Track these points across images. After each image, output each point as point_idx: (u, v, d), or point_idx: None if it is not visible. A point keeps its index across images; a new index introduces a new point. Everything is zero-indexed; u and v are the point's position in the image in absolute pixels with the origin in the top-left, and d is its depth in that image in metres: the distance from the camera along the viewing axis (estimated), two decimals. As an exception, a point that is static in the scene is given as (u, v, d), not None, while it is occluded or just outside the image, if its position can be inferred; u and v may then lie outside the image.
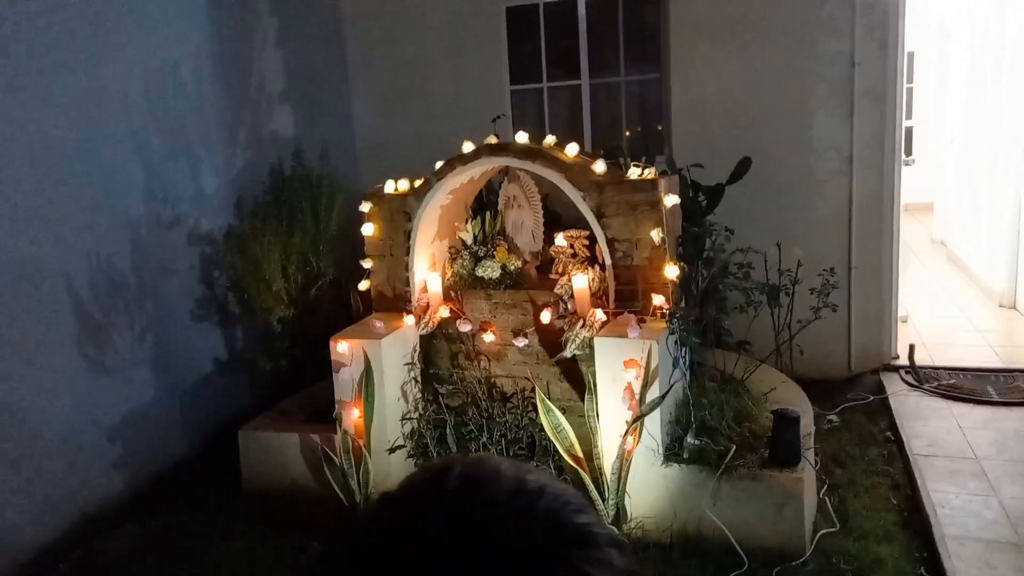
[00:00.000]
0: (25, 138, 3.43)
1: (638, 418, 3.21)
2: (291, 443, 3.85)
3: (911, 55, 11.49)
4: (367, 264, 4.12)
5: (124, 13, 3.98)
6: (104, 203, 3.86)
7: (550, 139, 3.90)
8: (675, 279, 3.53)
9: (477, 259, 3.98)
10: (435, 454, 3.70)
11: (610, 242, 3.62)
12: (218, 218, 4.52)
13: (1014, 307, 6.18)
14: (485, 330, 3.91)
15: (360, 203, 4.13)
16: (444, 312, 3.99)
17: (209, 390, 4.45)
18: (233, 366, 4.55)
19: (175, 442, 4.22)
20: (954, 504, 3.39)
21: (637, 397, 3.24)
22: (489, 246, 3.99)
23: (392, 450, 3.72)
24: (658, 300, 3.47)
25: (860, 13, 4.94)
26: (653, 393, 3.26)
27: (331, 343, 3.76)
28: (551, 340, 3.82)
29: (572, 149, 3.80)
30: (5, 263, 3.33)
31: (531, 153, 3.78)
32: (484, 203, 4.64)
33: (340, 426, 3.69)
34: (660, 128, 5.69)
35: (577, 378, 3.77)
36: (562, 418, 3.44)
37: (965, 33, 7.93)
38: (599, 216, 3.62)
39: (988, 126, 7.01)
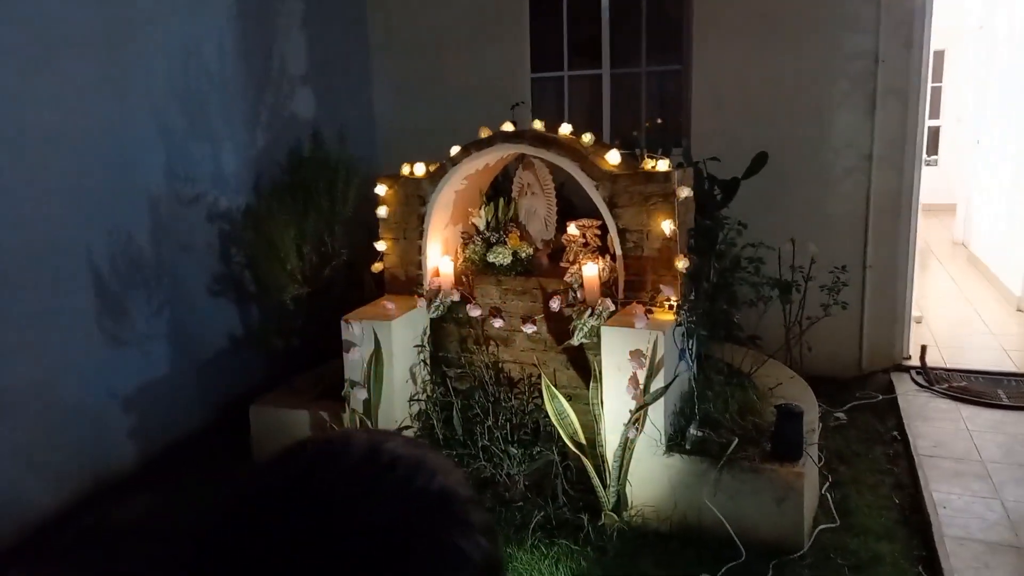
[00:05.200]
0: (51, 116, 3.50)
1: (641, 407, 3.23)
2: (301, 420, 3.92)
3: (941, 53, 11.33)
4: (380, 246, 4.17)
5: (148, -8, 4.04)
6: (126, 180, 3.93)
7: (566, 128, 3.91)
8: (684, 271, 3.54)
9: (489, 245, 4.01)
10: (441, 436, 3.75)
11: (621, 232, 3.63)
12: (237, 197, 4.59)
13: (1032, 312, 6.11)
14: (494, 315, 3.95)
15: (376, 186, 4.18)
16: (455, 296, 4.03)
17: (223, 365, 4.54)
18: (247, 343, 4.63)
19: (188, 415, 4.32)
20: (956, 505, 3.39)
21: (641, 387, 3.26)
22: (501, 232, 4.02)
23: (399, 430, 3.77)
24: (667, 292, 3.48)
25: (886, 10, 4.88)
26: (658, 384, 3.28)
27: (342, 323, 3.82)
28: (559, 328, 3.85)
29: (587, 138, 3.81)
30: (31, 237, 3.41)
31: (546, 141, 3.80)
32: (499, 190, 4.67)
33: (348, 405, 3.76)
34: (679, 120, 5.67)
35: (583, 366, 3.80)
36: (566, 405, 3.48)
37: (998, 32, 7.80)
38: (611, 206, 3.64)
39: (1015, 128, 6.90)
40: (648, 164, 3.68)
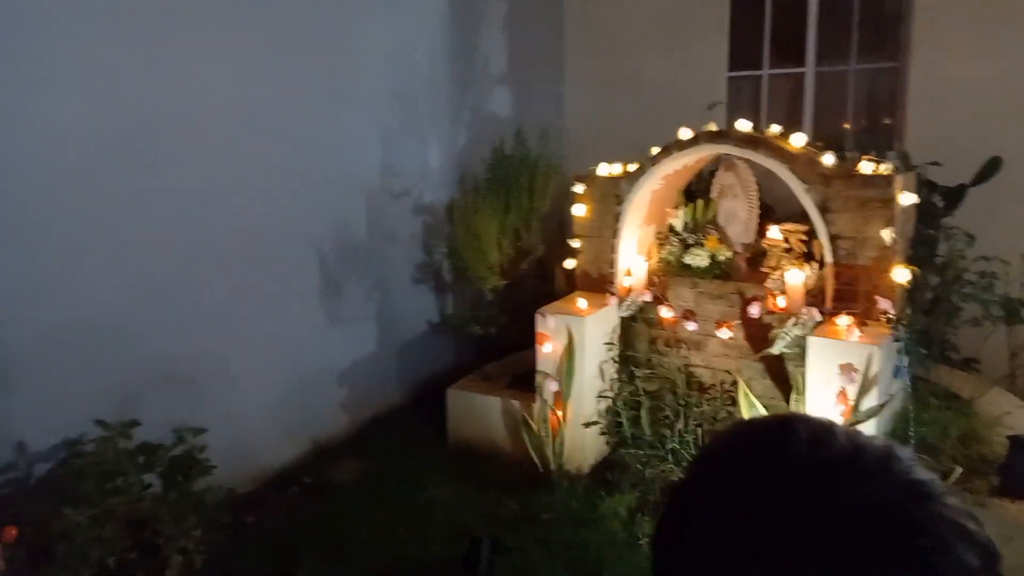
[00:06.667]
0: (286, 116, 3.87)
1: (851, 425, 3.06)
2: (493, 406, 4.09)
3: None
4: (575, 243, 4.25)
5: (372, -1, 4.37)
6: (347, 174, 4.29)
7: (774, 128, 3.78)
8: (905, 283, 3.31)
9: (686, 246, 3.97)
10: (629, 435, 3.77)
11: (833, 239, 3.46)
12: (439, 191, 4.87)
13: None
14: (688, 318, 3.90)
15: (568, 183, 4.26)
16: (647, 297, 4.03)
17: (421, 348, 4.85)
18: (442, 328, 4.91)
19: (390, 392, 4.66)
20: None
21: (851, 404, 3.10)
22: (699, 234, 3.97)
23: (587, 425, 3.84)
24: (883, 304, 3.27)
25: None
26: (869, 402, 3.10)
27: (536, 316, 3.93)
28: (756, 335, 3.74)
29: (798, 139, 3.66)
30: (269, 224, 3.82)
31: (753, 141, 3.69)
32: (691, 191, 4.60)
33: (540, 396, 3.87)
34: (889, 122, 5.30)
35: (782, 377, 3.67)
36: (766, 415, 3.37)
37: None
38: (823, 211, 3.47)
39: None
40: (865, 167, 3.48)
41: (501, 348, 4.64)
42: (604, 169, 4.18)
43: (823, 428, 0.56)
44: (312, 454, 4.05)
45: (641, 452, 3.68)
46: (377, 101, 4.46)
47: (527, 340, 4.01)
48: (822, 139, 5.07)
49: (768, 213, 4.31)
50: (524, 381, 4.15)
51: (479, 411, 4.13)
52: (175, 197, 3.36)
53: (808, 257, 3.74)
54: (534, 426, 3.86)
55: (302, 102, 3.97)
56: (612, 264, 4.15)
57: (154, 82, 3.25)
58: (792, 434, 0.56)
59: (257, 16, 3.68)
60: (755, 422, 0.62)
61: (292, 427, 4.01)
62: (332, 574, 3.12)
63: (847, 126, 5.53)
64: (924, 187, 4.07)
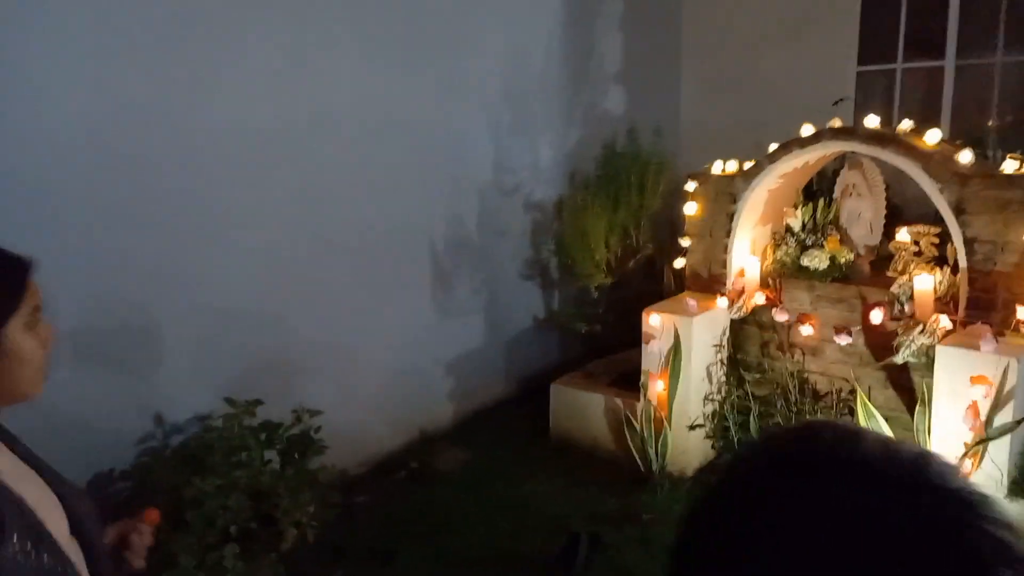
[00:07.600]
0: (407, 115, 4.02)
1: (982, 441, 2.85)
2: (596, 403, 4.08)
3: None
4: (685, 243, 4.17)
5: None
6: (460, 170, 4.40)
7: (907, 124, 3.56)
8: (1051, 292, 3.03)
9: (804, 247, 3.81)
10: (736, 440, 3.66)
11: (968, 242, 3.22)
12: (549, 189, 4.90)
13: None
14: (803, 322, 3.74)
15: (680, 182, 4.18)
16: (759, 298, 3.89)
17: (527, 343, 4.90)
18: (548, 324, 4.94)
19: (495, 384, 4.74)
20: None
21: (983, 419, 2.87)
22: (819, 235, 3.79)
23: (693, 427, 3.76)
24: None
25: None
26: (1003, 418, 2.86)
27: (644, 315, 3.89)
28: (878, 342, 3.54)
29: (933, 136, 3.43)
30: (390, 220, 3.98)
31: (882, 139, 3.49)
32: (813, 191, 4.40)
33: (644, 395, 3.83)
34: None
35: (905, 387, 3.46)
36: (886, 428, 3.19)
37: None
38: (958, 212, 3.24)
39: None
40: (1008, 167, 3.22)
41: (606, 346, 4.62)
42: (718, 167, 4.07)
43: (849, 432, 0.54)
44: (418, 442, 4.19)
45: (749, 459, 3.56)
46: (491, 99, 4.54)
47: (633, 339, 3.98)
48: (961, 136, 4.74)
49: (897, 214, 4.06)
50: (628, 380, 4.11)
51: (582, 407, 4.13)
52: (303, 194, 3.58)
53: (940, 262, 3.50)
54: (637, 425, 3.82)
55: (420, 101, 4.10)
56: (724, 264, 4.04)
57: (288, 87, 3.47)
58: (817, 438, 0.53)
59: (378, 19, 3.85)
60: (780, 428, 0.60)
61: (401, 415, 4.16)
62: (432, 558, 3.22)
63: (990, 123, 5.12)
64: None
